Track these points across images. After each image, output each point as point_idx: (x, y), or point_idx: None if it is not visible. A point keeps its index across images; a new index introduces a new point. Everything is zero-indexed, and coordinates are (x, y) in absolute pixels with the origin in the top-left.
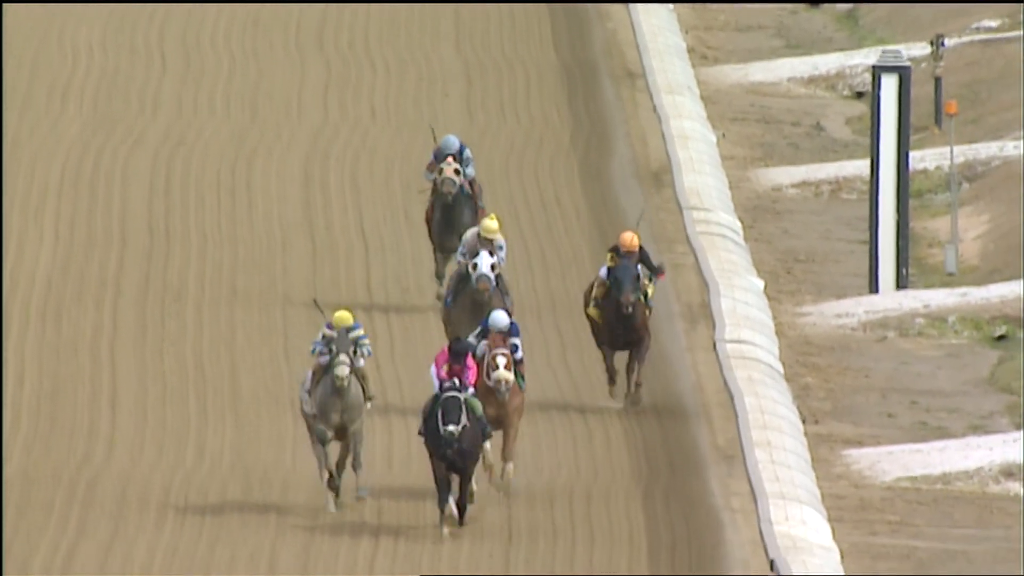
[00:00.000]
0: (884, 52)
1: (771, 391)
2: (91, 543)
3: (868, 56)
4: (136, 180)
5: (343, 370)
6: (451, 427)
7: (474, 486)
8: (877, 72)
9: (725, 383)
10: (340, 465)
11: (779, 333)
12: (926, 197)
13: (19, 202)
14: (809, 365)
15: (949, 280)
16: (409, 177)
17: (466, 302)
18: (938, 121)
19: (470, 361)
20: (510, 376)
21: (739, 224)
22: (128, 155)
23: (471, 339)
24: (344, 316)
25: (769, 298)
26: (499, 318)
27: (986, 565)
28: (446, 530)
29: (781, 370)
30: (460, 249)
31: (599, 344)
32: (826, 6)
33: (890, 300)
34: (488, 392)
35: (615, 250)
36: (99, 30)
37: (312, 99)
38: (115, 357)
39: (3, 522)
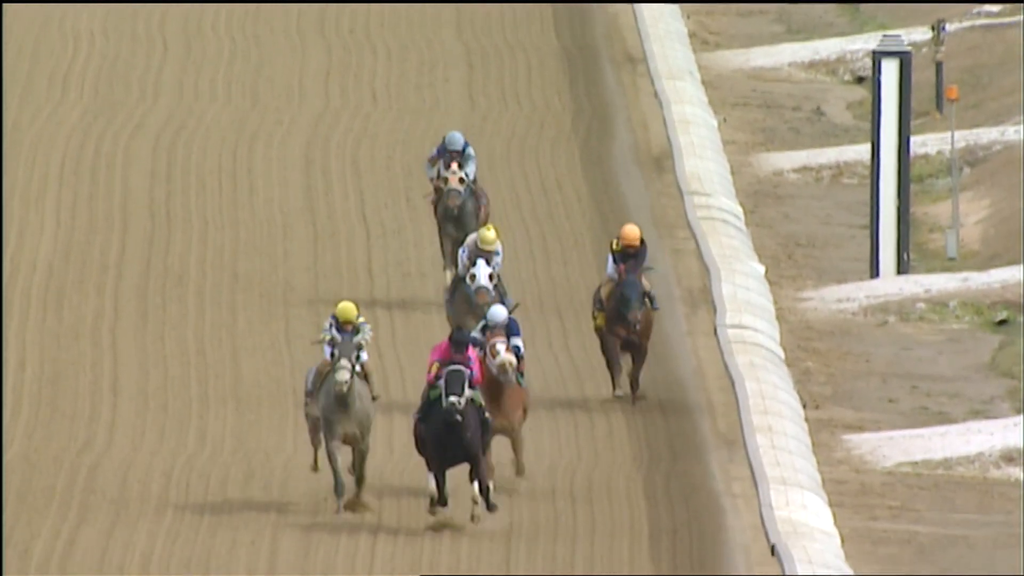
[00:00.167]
0: (885, 37)
1: (772, 376)
2: (92, 529)
3: (869, 41)
4: (137, 165)
5: (343, 375)
6: (453, 398)
7: (490, 483)
8: (878, 57)
9: (726, 368)
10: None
11: (780, 318)
12: (927, 182)
13: (20, 188)
14: (810, 350)
15: (950, 265)
16: (410, 162)
17: (463, 304)
18: (939, 106)
19: (472, 354)
20: (512, 359)
21: (740, 209)
22: (129, 141)
23: (474, 334)
24: (348, 308)
25: (770, 283)
26: (497, 312)
27: (987, 550)
28: (437, 513)
29: (782, 355)
30: (462, 252)
31: (603, 346)
32: None
33: (891, 285)
34: (491, 398)
35: (619, 247)
36: (100, 16)
37: (313, 84)
38: (116, 342)
39: (4, 508)
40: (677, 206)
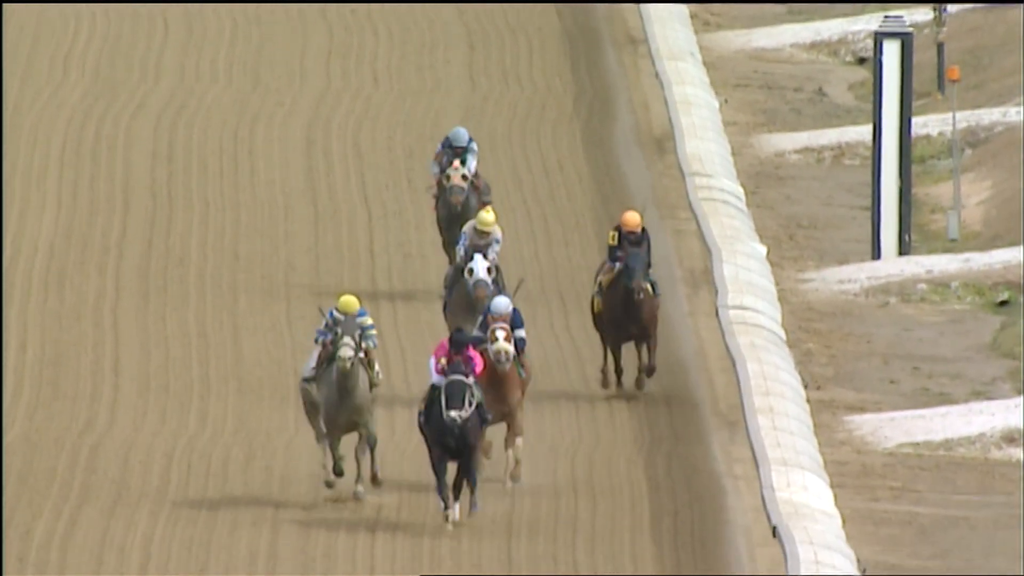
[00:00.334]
0: (886, 18)
1: (773, 357)
2: (93, 510)
3: (870, 22)
4: (138, 147)
5: (347, 351)
6: (454, 412)
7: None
8: (879, 38)
9: (727, 349)
10: (357, 453)
11: (781, 299)
12: (928, 163)
13: (21, 169)
14: (811, 331)
15: (951, 246)
16: (411, 144)
17: (462, 298)
18: (940, 87)
19: (473, 352)
20: (510, 348)
21: (741, 190)
22: (130, 122)
23: (476, 332)
24: (349, 301)
25: (771, 264)
26: (500, 303)
27: (988, 531)
28: (450, 521)
29: (783, 336)
30: (460, 240)
31: (603, 337)
32: None
33: (892, 266)
34: (491, 386)
35: (618, 229)
36: None
37: (314, 65)
38: (118, 323)
39: (5, 489)
40: (678, 187)
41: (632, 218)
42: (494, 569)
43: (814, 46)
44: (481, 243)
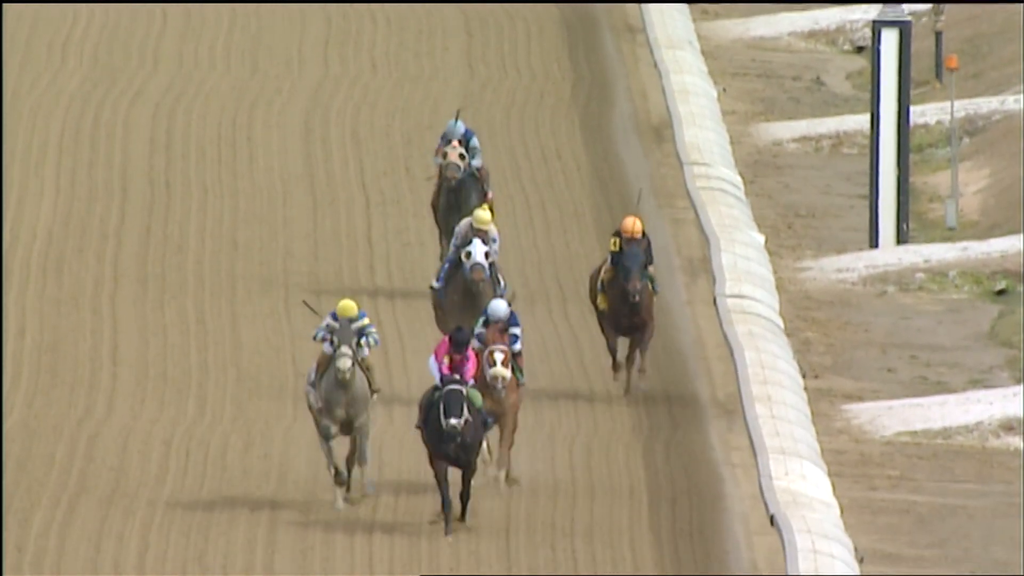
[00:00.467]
0: (884, 7)
1: (771, 346)
2: (92, 497)
3: (868, 11)
4: (136, 133)
5: (345, 362)
6: (453, 420)
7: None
8: (877, 27)
9: (725, 338)
10: (349, 461)
11: (779, 288)
12: (927, 152)
13: (19, 156)
14: (809, 320)
15: (949, 235)
16: (410, 130)
17: (458, 291)
18: (939, 76)
19: (471, 352)
20: (507, 374)
21: (739, 179)
22: (128, 109)
23: (477, 330)
24: (348, 306)
25: (769, 253)
26: (498, 307)
27: (986, 519)
28: (451, 534)
29: (781, 325)
30: (453, 240)
31: (603, 330)
32: None
33: (890, 255)
34: (487, 385)
35: (618, 235)
36: None
37: (312, 52)
38: (116, 310)
39: (3, 476)
40: (677, 176)
41: (631, 224)
42: (492, 561)
43: (812, 35)
44: (479, 231)
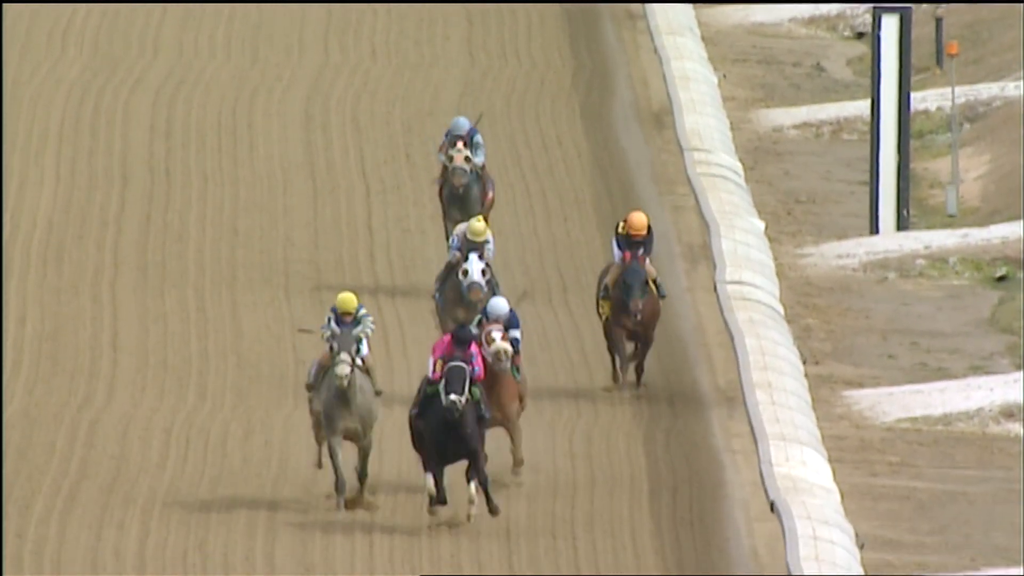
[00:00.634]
0: None
1: (772, 332)
2: (92, 484)
3: None
4: (137, 122)
5: (343, 368)
6: (454, 396)
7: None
8: (878, 13)
9: (726, 324)
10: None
11: (780, 274)
12: (927, 138)
13: (20, 144)
14: (810, 306)
15: (950, 221)
16: (410, 118)
17: (454, 297)
18: (939, 62)
19: (475, 350)
20: (507, 347)
21: (740, 165)
22: (129, 97)
23: (473, 330)
24: (348, 298)
25: (770, 239)
26: (498, 305)
27: (986, 505)
28: (434, 519)
29: (782, 311)
30: (452, 243)
31: (606, 332)
32: None
33: (891, 241)
34: (489, 391)
35: (625, 231)
36: None
37: (313, 40)
38: (116, 298)
39: (4, 463)
40: (677, 162)
41: (638, 220)
42: (492, 548)
43: (812, 21)
44: (475, 243)
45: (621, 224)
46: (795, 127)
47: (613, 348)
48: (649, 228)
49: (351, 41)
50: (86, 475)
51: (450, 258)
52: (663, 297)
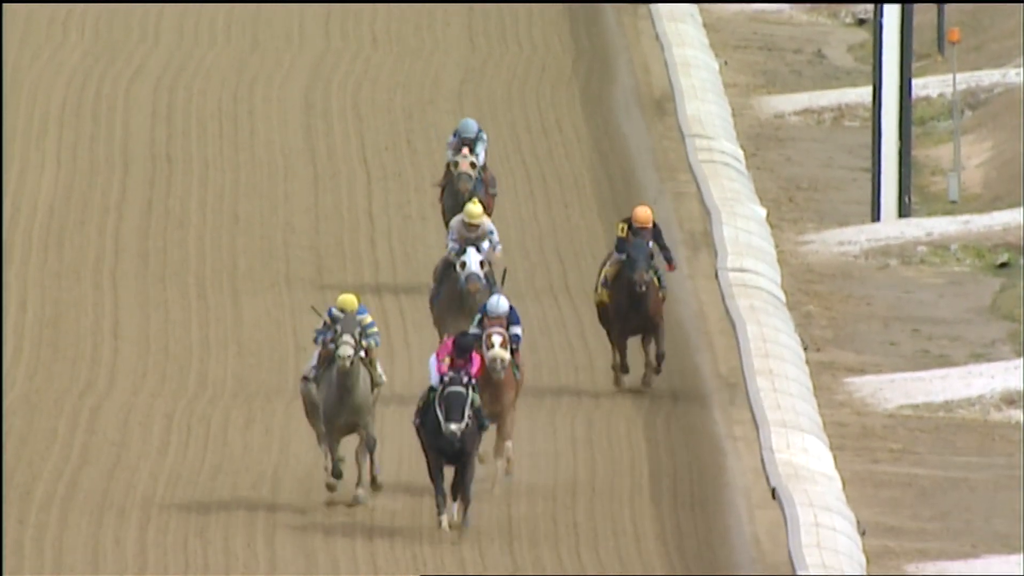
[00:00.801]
0: None
1: (773, 319)
2: (93, 471)
3: None
4: (137, 107)
5: (346, 349)
6: (453, 426)
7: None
8: None
9: (727, 311)
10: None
11: (781, 261)
12: (928, 125)
13: (21, 129)
14: (811, 293)
15: (951, 208)
16: (410, 105)
17: (452, 295)
18: (940, 48)
19: (475, 355)
20: (506, 355)
21: (741, 152)
22: (129, 83)
23: (473, 330)
24: (349, 300)
25: (771, 226)
26: (497, 304)
27: (988, 492)
28: (445, 521)
29: (783, 298)
30: (449, 235)
31: (608, 331)
32: None
33: (892, 228)
34: (487, 385)
35: (627, 222)
36: None
37: (313, 26)
38: (117, 284)
39: (5, 450)
40: (678, 149)
41: (643, 213)
42: (494, 534)
43: (814, 8)
44: (471, 236)
45: (621, 226)
46: (796, 114)
47: (617, 339)
48: (655, 224)
49: (351, 27)
50: (87, 462)
51: (447, 253)
52: (664, 288)
